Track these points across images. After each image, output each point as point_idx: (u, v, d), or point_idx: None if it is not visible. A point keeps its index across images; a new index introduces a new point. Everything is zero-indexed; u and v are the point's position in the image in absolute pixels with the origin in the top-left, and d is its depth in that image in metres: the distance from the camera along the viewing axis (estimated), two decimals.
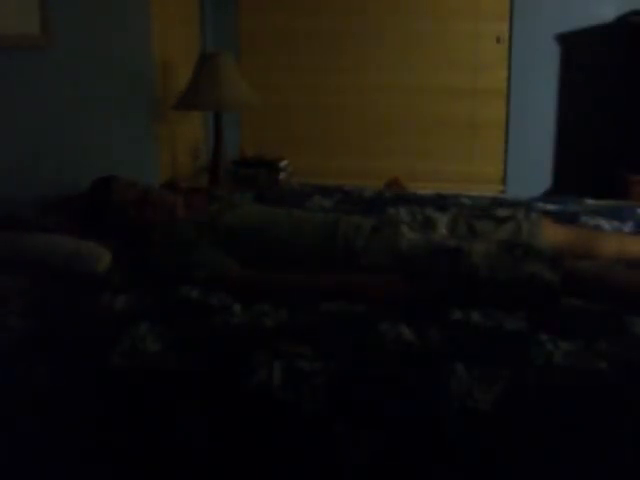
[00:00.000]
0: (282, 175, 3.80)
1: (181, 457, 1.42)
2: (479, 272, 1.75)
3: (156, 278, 1.91)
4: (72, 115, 2.66)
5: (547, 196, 3.57)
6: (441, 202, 2.58)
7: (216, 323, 1.63)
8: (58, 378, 1.48)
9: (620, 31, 3.69)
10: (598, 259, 2.01)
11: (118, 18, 3.01)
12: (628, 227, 2.34)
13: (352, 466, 1.35)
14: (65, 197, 2.39)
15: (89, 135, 2.78)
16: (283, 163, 3.86)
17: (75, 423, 1.46)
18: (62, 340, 1.56)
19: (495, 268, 1.75)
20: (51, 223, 2.10)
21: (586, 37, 3.77)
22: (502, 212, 2.34)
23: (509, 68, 3.90)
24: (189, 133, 3.90)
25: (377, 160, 3.97)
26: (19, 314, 1.65)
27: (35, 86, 2.43)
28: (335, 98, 4.10)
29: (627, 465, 1.30)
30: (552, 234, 2.11)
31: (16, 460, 1.48)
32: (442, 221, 2.19)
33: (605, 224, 2.34)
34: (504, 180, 4.03)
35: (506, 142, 3.99)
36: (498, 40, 3.89)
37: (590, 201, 2.66)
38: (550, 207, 2.53)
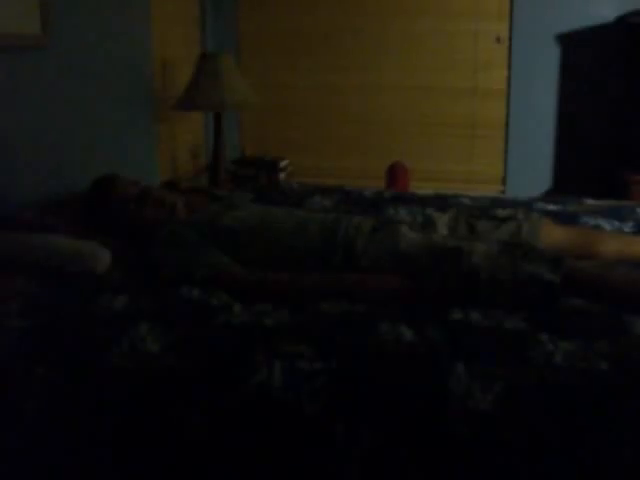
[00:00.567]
0: (282, 175, 3.80)
1: (181, 457, 1.42)
2: (479, 272, 1.75)
3: (156, 278, 1.91)
4: (72, 115, 2.66)
5: (547, 196, 3.57)
6: (441, 202, 2.57)
7: (216, 323, 1.63)
8: (58, 378, 1.48)
9: (620, 31, 3.68)
10: (598, 259, 2.01)
11: (118, 18, 3.01)
12: (628, 227, 2.34)
13: (352, 466, 1.35)
14: (65, 197, 2.39)
15: (89, 135, 2.78)
16: (283, 163, 3.87)
17: (75, 423, 1.46)
18: (62, 340, 1.56)
19: (495, 268, 1.75)
20: (51, 223, 2.10)
21: (586, 37, 3.76)
22: (502, 212, 2.34)
23: (509, 68, 3.90)
24: (189, 133, 3.90)
25: (377, 160, 3.96)
26: (19, 314, 1.65)
27: (35, 86, 2.43)
28: (335, 98, 4.10)
29: (627, 465, 1.30)
30: (552, 234, 2.11)
31: (16, 460, 1.48)
32: (442, 221, 2.19)
33: (605, 224, 2.35)
34: (504, 180, 4.03)
35: (506, 142, 3.99)
36: (498, 40, 3.89)
37: (590, 201, 2.66)
38: (550, 207, 2.53)
